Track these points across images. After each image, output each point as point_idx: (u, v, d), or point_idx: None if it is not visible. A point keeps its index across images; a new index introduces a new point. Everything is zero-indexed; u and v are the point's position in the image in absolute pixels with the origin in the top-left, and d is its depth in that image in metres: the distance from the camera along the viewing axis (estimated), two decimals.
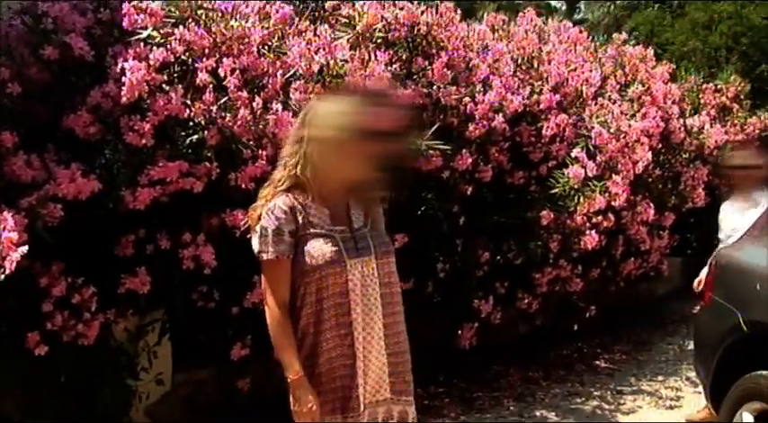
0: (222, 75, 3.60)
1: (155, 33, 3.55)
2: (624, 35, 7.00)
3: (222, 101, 3.59)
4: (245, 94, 3.62)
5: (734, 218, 4.63)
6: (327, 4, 4.62)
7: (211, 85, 3.54)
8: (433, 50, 4.76)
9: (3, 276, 2.41)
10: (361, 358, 2.39)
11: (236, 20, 3.77)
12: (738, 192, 4.73)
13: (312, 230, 2.36)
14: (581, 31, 6.51)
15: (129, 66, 3.29)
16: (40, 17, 3.49)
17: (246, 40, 3.77)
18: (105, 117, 3.45)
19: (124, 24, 3.48)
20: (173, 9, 3.69)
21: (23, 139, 3.17)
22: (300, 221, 2.35)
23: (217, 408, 4.15)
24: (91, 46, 3.48)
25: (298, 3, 4.52)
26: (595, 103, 5.50)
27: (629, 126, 5.32)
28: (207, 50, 3.66)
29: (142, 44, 3.46)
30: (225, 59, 3.59)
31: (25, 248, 2.47)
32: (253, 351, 3.92)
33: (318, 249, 2.33)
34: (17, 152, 3.11)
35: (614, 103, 5.71)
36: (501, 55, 5.17)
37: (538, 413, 4.63)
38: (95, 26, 3.66)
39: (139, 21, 3.47)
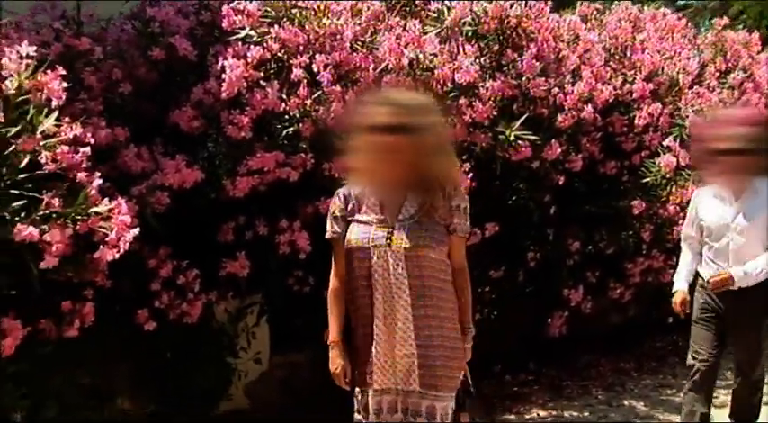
0: (315, 70, 3.83)
1: (252, 33, 3.81)
2: (725, 20, 6.87)
3: (316, 95, 3.82)
4: (338, 88, 3.85)
5: (716, 209, 3.82)
6: (418, 0, 4.80)
7: (305, 81, 3.78)
8: (523, 42, 4.86)
9: (117, 255, 2.70)
10: (380, 343, 2.55)
11: (327, 17, 4.00)
12: (726, 176, 3.71)
13: (357, 217, 2.61)
14: (679, 18, 6.46)
15: (229, 64, 3.57)
16: (148, 21, 3.82)
17: (339, 36, 4.00)
18: (207, 112, 3.74)
19: (224, 25, 3.76)
20: (269, 9, 3.95)
21: (134, 134, 3.49)
22: (350, 208, 2.62)
23: (312, 391, 4.39)
24: (193, 46, 3.78)
25: None
26: (692, 92, 5.48)
27: None
28: (301, 47, 3.90)
29: (240, 43, 3.72)
30: (318, 56, 3.83)
31: (136, 231, 2.76)
32: None
33: (353, 234, 2.59)
34: (128, 145, 3.44)
35: (713, 91, 5.67)
36: (592, 45, 5.23)
37: (626, 402, 4.68)
38: (197, 27, 3.97)
39: (237, 21, 3.74)
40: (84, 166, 2.76)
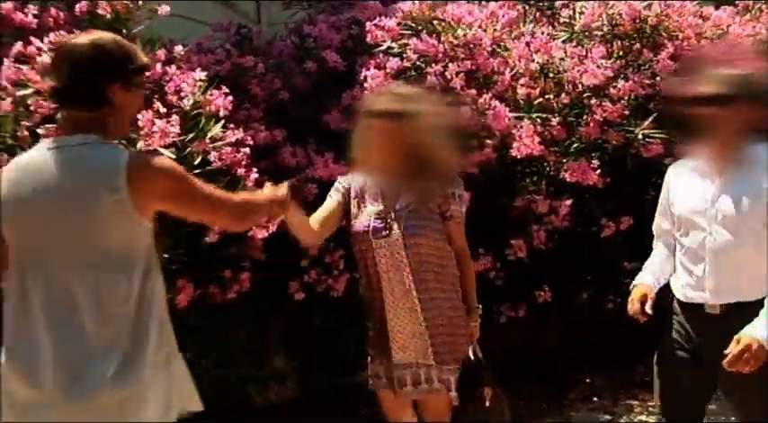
0: (449, 77, 4.41)
1: (393, 45, 4.46)
2: None
3: (448, 99, 4.40)
4: (473, 91, 4.40)
5: (691, 190, 2.77)
6: (557, 3, 5.25)
7: (438, 87, 4.37)
8: (664, 41, 5.15)
9: (267, 234, 3.45)
10: (392, 326, 2.93)
11: (461, 28, 4.57)
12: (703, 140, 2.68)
13: (360, 207, 2.98)
14: None
15: (371, 74, 4.23)
16: (305, 37, 4.57)
17: (472, 45, 4.55)
18: (354, 115, 4.43)
19: (368, 39, 4.43)
20: (409, 23, 4.59)
21: (291, 135, 4.25)
22: (351, 196, 3.02)
23: None
24: (343, 58, 4.49)
25: (526, 6, 5.20)
26: None
27: None
28: (440, 55, 4.50)
29: (382, 55, 4.39)
30: (450, 64, 4.41)
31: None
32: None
33: (356, 224, 2.99)
34: (285, 144, 4.20)
35: None
36: (740, 39, 5.39)
37: None
38: (348, 40, 4.68)
39: (379, 36, 4.40)
40: (243, 163, 3.51)
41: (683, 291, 2.78)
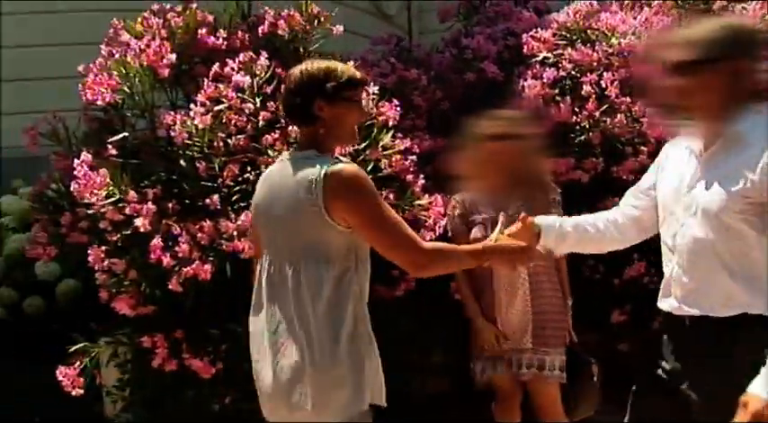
0: (603, 85, 4.56)
1: (549, 55, 4.66)
2: None
3: (604, 107, 4.55)
4: (627, 99, 4.53)
5: (675, 171, 2.34)
6: (716, 5, 5.26)
7: (594, 95, 4.53)
8: None
9: (434, 236, 3.71)
10: (502, 314, 3.58)
11: (615, 37, 4.70)
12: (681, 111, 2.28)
13: (474, 217, 3.60)
14: None
15: (528, 84, 4.45)
16: (463, 49, 4.84)
17: (627, 53, 4.68)
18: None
19: (524, 50, 4.64)
20: (565, 33, 4.77)
21: (451, 142, 4.51)
22: (467, 209, 3.65)
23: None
24: (500, 68, 4.73)
25: (682, 11, 5.25)
26: None
27: None
28: (594, 65, 4.65)
29: (539, 65, 4.59)
30: (605, 73, 4.55)
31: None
32: (630, 318, 4.82)
33: (474, 230, 3.56)
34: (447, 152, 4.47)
35: None
36: None
37: None
38: (504, 51, 4.91)
39: (535, 47, 4.60)
40: (411, 170, 3.81)
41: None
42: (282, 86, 2.61)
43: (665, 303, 2.32)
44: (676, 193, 2.27)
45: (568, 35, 4.77)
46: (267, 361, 2.42)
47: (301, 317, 2.36)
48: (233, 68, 3.63)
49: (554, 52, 4.66)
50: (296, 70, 2.49)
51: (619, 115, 4.48)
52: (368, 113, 2.80)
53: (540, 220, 2.64)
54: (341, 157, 2.53)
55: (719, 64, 2.11)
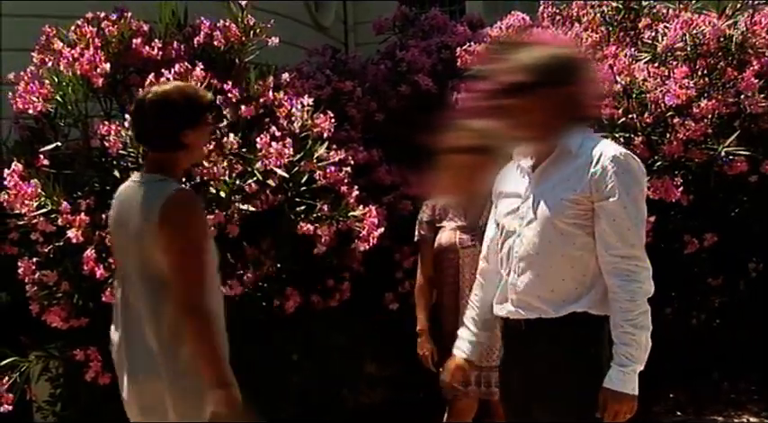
0: None
1: (482, 68, 4.78)
2: None
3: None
4: None
5: (510, 187, 2.52)
6: (641, 23, 5.48)
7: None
8: (751, 58, 5.32)
9: (367, 247, 3.81)
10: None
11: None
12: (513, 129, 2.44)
13: (444, 223, 3.42)
14: None
15: (460, 96, 4.57)
16: (398, 61, 4.95)
17: None
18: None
19: (458, 63, 4.77)
20: (497, 48, 4.90)
21: (386, 154, 4.62)
22: (437, 215, 3.46)
23: None
24: (434, 81, 4.84)
25: (609, 28, 5.45)
26: None
27: None
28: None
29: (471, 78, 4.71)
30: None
31: (382, 230, 3.85)
32: None
33: (443, 238, 3.41)
34: (381, 163, 4.57)
35: None
36: None
37: None
38: (439, 64, 5.03)
39: (468, 60, 4.73)
40: (345, 181, 3.89)
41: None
42: (132, 109, 2.61)
43: (503, 310, 2.46)
44: (513, 210, 2.44)
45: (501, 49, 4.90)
46: (122, 371, 2.53)
47: (144, 334, 2.43)
48: (168, 79, 3.65)
49: (485, 66, 4.78)
50: (152, 96, 2.49)
51: None
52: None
53: (461, 352, 2.71)
54: (182, 184, 2.60)
55: (550, 88, 2.28)
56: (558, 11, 5.29)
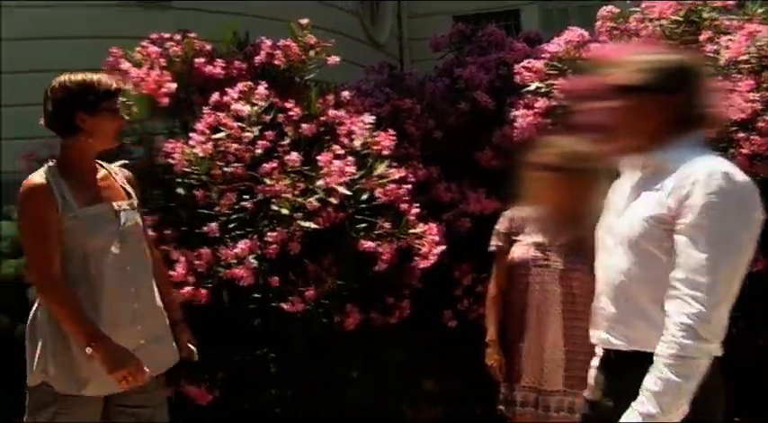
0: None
1: (541, 84, 4.78)
2: None
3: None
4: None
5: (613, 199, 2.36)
6: (702, 36, 5.41)
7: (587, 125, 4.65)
8: None
9: (428, 265, 3.82)
10: (531, 347, 3.25)
11: (607, 67, 4.83)
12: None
13: (520, 237, 3.37)
14: None
15: (519, 113, 4.56)
16: (456, 78, 4.97)
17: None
18: (505, 152, 4.77)
19: (516, 80, 4.77)
20: (556, 64, 4.89)
21: (444, 171, 4.63)
22: (514, 228, 3.41)
23: None
24: (492, 97, 4.85)
25: (670, 42, 5.40)
26: None
27: None
28: (585, 95, 4.78)
29: (530, 95, 4.71)
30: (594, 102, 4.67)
31: (443, 247, 3.86)
32: None
33: (516, 252, 3.36)
34: (440, 180, 4.58)
35: None
36: None
37: None
38: (496, 80, 5.04)
39: (527, 77, 4.73)
40: (405, 198, 3.91)
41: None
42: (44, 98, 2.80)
43: (593, 336, 2.29)
44: (609, 226, 2.27)
45: (560, 65, 4.89)
46: None
47: None
48: (233, 97, 3.72)
49: (545, 82, 4.78)
50: (55, 84, 2.73)
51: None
52: (125, 120, 2.91)
53: None
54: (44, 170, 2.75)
55: (662, 94, 2.11)
56: (615, 25, 5.26)
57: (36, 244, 2.68)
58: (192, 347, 2.99)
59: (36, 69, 5.78)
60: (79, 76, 2.74)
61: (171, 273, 3.35)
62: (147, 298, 2.81)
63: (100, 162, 2.91)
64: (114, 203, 2.80)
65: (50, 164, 2.76)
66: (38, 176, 2.71)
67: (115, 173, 2.93)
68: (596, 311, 2.26)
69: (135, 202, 2.88)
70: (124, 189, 2.88)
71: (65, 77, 2.74)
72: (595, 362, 2.33)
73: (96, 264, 2.68)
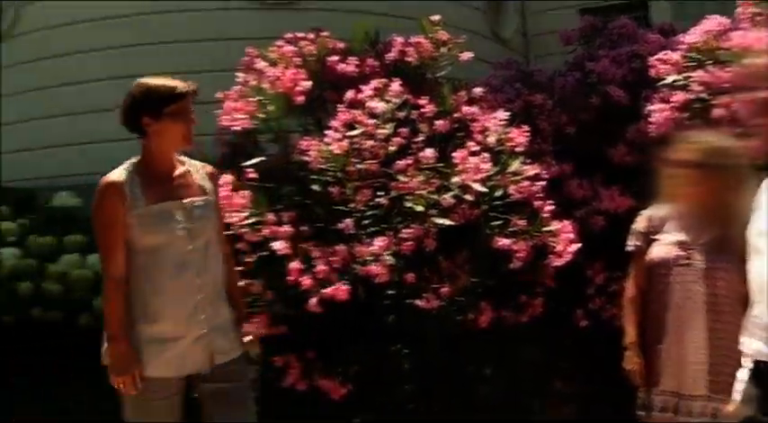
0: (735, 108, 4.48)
1: (678, 77, 4.61)
2: None
3: (738, 131, 4.47)
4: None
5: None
6: None
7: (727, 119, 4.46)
8: None
9: (562, 263, 3.75)
10: (671, 350, 3.10)
11: (749, 56, 4.62)
12: None
13: (659, 236, 3.22)
14: None
15: (655, 108, 4.42)
16: (587, 73, 4.86)
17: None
18: (639, 148, 4.64)
19: (651, 73, 4.62)
20: (694, 55, 4.72)
21: (576, 168, 4.55)
22: (653, 227, 3.27)
23: None
24: (626, 92, 4.72)
25: None
26: None
27: None
28: (726, 87, 4.58)
29: (666, 88, 4.56)
30: (738, 94, 4.48)
31: (578, 245, 3.78)
32: None
33: (656, 251, 3.23)
34: (573, 177, 4.50)
35: None
36: None
37: None
38: (629, 74, 4.90)
39: (663, 69, 4.58)
40: (539, 195, 3.85)
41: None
42: None
43: (747, 345, 2.20)
44: (760, 230, 2.20)
45: (699, 56, 4.71)
46: None
47: None
48: (367, 95, 3.76)
49: (683, 74, 4.62)
50: (130, 90, 2.93)
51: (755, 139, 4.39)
52: (193, 120, 2.99)
53: None
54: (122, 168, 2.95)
55: None
56: (759, 10, 5.02)
57: (101, 238, 2.91)
58: (254, 341, 3.14)
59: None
60: (145, 82, 2.93)
61: (313, 271, 3.42)
62: (210, 291, 2.96)
63: (181, 159, 3.08)
64: (186, 200, 2.95)
65: (133, 160, 2.97)
66: (115, 173, 2.93)
67: (196, 170, 3.08)
68: (750, 320, 2.16)
69: (210, 198, 3.03)
70: (201, 187, 3.02)
71: (137, 82, 2.94)
72: (743, 373, 2.23)
73: (160, 257, 2.87)
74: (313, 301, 3.38)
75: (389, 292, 3.59)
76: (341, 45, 4.23)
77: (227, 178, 3.63)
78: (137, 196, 2.90)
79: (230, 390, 3.02)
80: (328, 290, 3.38)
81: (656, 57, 4.65)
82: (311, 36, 4.22)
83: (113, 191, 2.88)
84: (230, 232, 3.61)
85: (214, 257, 3.02)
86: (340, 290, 3.38)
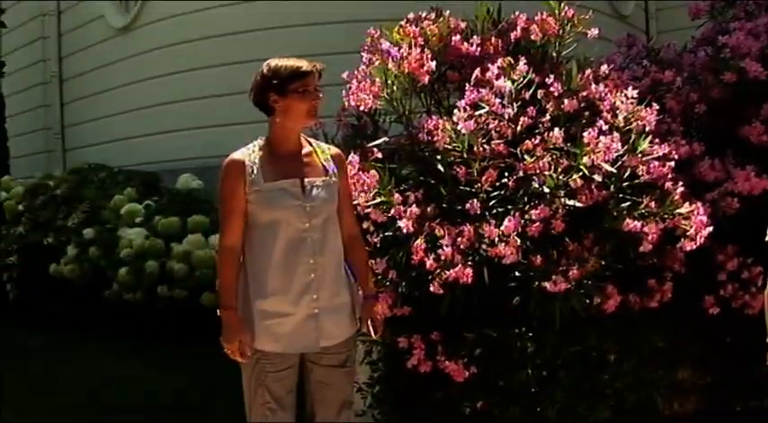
0: None
1: None
2: None
3: None
4: None
5: None
6: None
7: None
8: None
9: (693, 247, 3.64)
10: None
11: None
12: None
13: None
14: None
15: None
16: (720, 48, 4.66)
17: None
18: None
19: None
20: None
21: (707, 148, 4.38)
22: None
23: None
24: (763, 66, 4.50)
25: None
26: None
27: None
28: None
29: None
30: None
31: (710, 229, 3.67)
32: None
33: None
34: (703, 158, 4.34)
35: None
36: None
37: None
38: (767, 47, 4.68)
39: None
40: (669, 176, 3.74)
41: None
42: None
43: None
44: None
45: None
46: None
47: None
48: (494, 73, 3.72)
49: None
50: (260, 70, 3.16)
51: None
52: (318, 96, 3.17)
53: None
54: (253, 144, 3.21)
55: None
56: None
57: (221, 211, 3.15)
58: (372, 326, 3.31)
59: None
60: (273, 62, 3.14)
61: (438, 252, 3.43)
62: (326, 272, 3.08)
63: (308, 139, 3.27)
64: (307, 179, 3.11)
65: (260, 140, 3.19)
66: (239, 152, 3.16)
67: (322, 151, 3.27)
68: None
69: (333, 179, 3.19)
70: (324, 168, 3.17)
71: (266, 63, 3.16)
72: None
73: (275, 234, 3.03)
74: (435, 282, 3.40)
75: (515, 273, 3.56)
76: (462, 24, 4.20)
77: (353, 158, 3.68)
78: (258, 173, 3.08)
79: (332, 373, 3.17)
80: (452, 271, 3.38)
81: None
82: (432, 16, 4.21)
83: (234, 168, 3.10)
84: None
85: (333, 240, 3.13)
86: (464, 272, 3.38)
